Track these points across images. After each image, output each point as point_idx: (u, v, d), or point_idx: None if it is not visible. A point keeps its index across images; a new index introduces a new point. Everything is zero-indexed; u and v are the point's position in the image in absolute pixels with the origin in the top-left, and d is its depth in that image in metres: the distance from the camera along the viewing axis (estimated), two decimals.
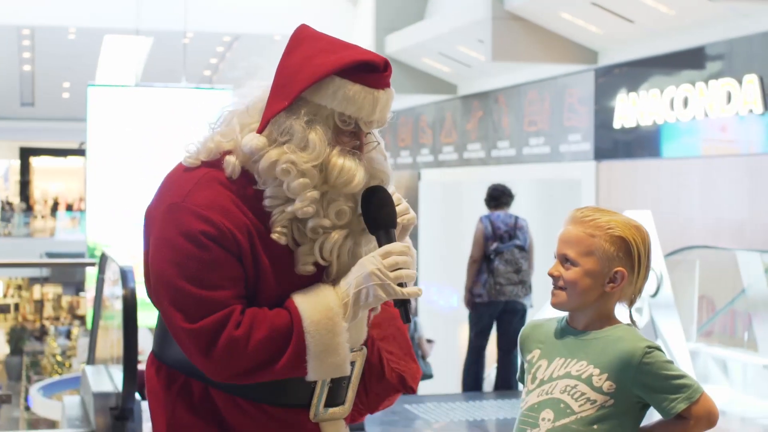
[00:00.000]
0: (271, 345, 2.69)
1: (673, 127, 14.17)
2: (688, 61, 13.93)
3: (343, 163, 2.75)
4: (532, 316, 10.12)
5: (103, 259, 8.96)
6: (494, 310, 9.68)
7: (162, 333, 2.93)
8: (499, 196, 10.34)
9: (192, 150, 2.88)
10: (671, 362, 2.77)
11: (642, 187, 14.91)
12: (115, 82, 23.57)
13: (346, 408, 2.93)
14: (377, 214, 2.81)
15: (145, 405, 8.32)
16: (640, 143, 14.93)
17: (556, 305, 2.87)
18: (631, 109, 14.95)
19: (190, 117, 17.79)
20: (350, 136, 2.81)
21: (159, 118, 17.85)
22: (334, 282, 2.80)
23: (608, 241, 2.78)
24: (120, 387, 7.10)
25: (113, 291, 8.92)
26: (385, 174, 2.89)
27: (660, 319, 8.89)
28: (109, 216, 17.66)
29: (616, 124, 15.33)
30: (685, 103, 13.85)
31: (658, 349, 2.77)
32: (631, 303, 2.87)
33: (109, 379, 7.71)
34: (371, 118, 2.79)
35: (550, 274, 2.85)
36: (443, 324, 20.20)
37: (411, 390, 3.12)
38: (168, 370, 2.89)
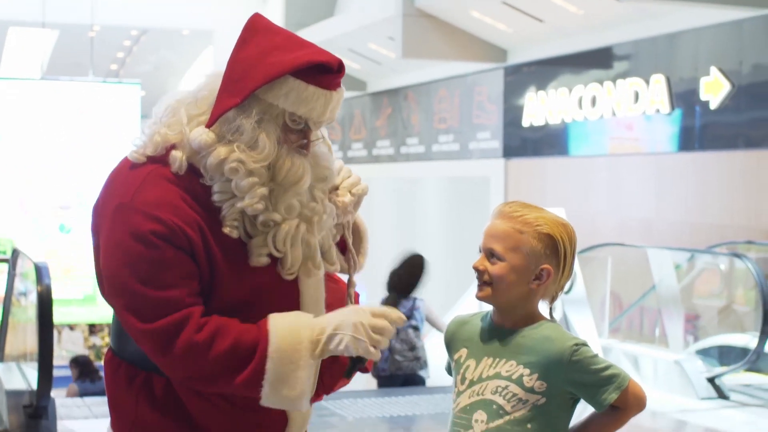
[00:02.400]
0: (232, 359, 2.66)
1: (581, 126, 14.34)
2: (597, 60, 14.10)
3: (291, 163, 2.74)
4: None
5: (15, 254, 8.83)
6: (396, 383, 10.37)
7: (119, 329, 2.88)
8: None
9: (138, 144, 2.81)
10: (597, 356, 2.79)
11: (550, 184, 15.06)
12: (19, 75, 23.18)
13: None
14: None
15: (60, 402, 8.25)
16: (549, 141, 15.08)
17: (481, 299, 2.86)
18: (540, 108, 15.09)
19: (96, 111, 17.58)
20: (297, 134, 2.80)
21: (65, 112, 17.61)
22: (292, 271, 2.79)
23: (536, 238, 2.76)
24: (33, 385, 7.00)
25: (21, 287, 8.79)
26: (329, 170, 2.88)
27: (573, 315, 8.99)
28: (14, 211, 17.38)
29: (525, 122, 15.46)
30: (593, 101, 14.01)
31: (585, 344, 2.78)
32: (552, 300, 2.88)
33: (21, 377, 7.60)
34: (322, 118, 2.79)
35: (475, 268, 2.82)
36: None
37: (365, 369, 3.12)
38: (127, 367, 2.84)
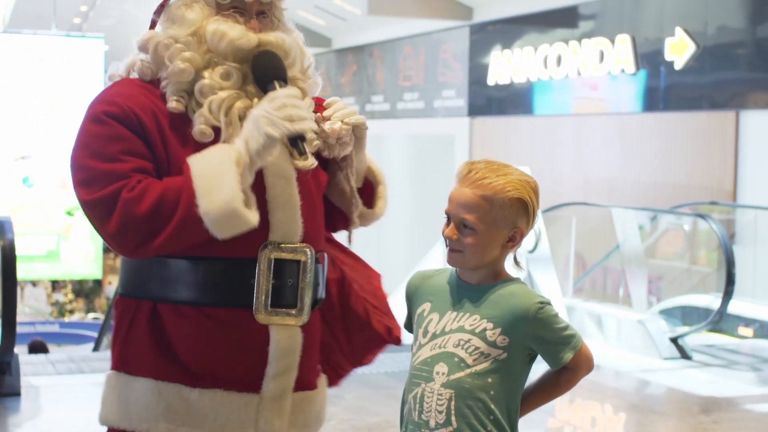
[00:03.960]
0: (164, 202, 2.71)
1: (546, 85, 14.34)
2: (562, 19, 14.09)
3: (216, 26, 2.84)
4: None
5: None
6: None
7: (121, 267, 2.97)
8: None
9: (115, 70, 2.98)
10: (558, 315, 2.81)
11: (515, 143, 15.07)
12: None
13: (297, 311, 2.87)
14: (261, 70, 2.86)
15: (24, 358, 8.23)
16: (514, 100, 15.08)
17: (455, 265, 2.86)
18: (505, 66, 15.07)
19: (59, 65, 17.46)
20: (237, 13, 2.90)
21: (27, 66, 17.49)
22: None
23: (507, 204, 2.75)
24: None
25: None
26: (280, 41, 2.92)
27: (537, 274, 9.00)
28: None
29: (490, 81, 15.45)
30: (559, 61, 14.01)
31: (549, 303, 2.80)
32: (516, 248, 2.90)
33: None
34: None
35: (448, 237, 2.79)
36: None
37: (397, 341, 3.12)
38: (124, 301, 2.91)
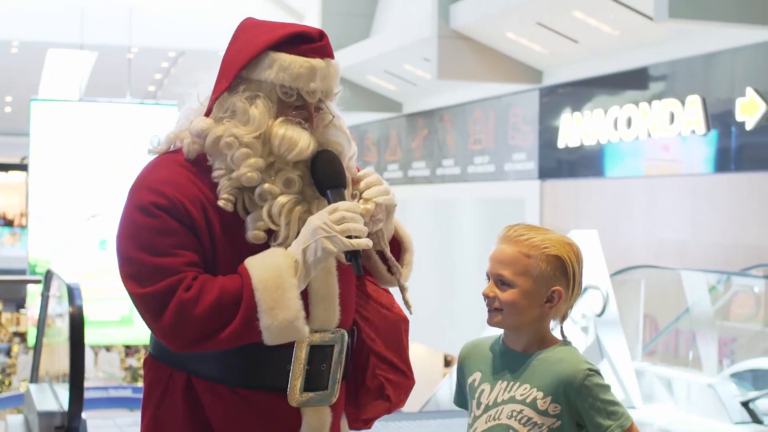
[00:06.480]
0: (222, 307, 2.73)
1: (617, 147, 14.28)
2: (632, 81, 14.05)
3: (284, 132, 2.84)
4: None
5: (49, 275, 8.88)
6: None
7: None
8: None
9: (155, 142, 3.02)
10: (609, 386, 2.79)
11: (585, 206, 15.00)
12: (58, 96, 23.40)
13: (328, 394, 2.91)
14: (323, 175, 2.87)
15: (91, 423, 8.28)
16: (584, 163, 15.03)
17: (493, 325, 2.86)
18: (575, 129, 15.05)
19: (134, 132, 17.69)
20: (297, 109, 2.90)
21: (103, 134, 17.74)
22: (285, 246, 2.84)
23: (544, 260, 2.76)
24: (65, 406, 7.04)
25: (57, 308, 8.85)
26: (338, 144, 2.95)
27: (605, 337, 8.94)
28: (51, 232, 17.50)
29: (560, 144, 15.42)
30: (629, 123, 13.96)
31: (598, 372, 2.78)
32: (563, 319, 2.87)
33: (53, 398, 7.64)
34: (309, 86, 2.87)
35: (486, 295, 2.83)
36: None
37: (387, 399, 3.11)
38: (157, 365, 2.94)
